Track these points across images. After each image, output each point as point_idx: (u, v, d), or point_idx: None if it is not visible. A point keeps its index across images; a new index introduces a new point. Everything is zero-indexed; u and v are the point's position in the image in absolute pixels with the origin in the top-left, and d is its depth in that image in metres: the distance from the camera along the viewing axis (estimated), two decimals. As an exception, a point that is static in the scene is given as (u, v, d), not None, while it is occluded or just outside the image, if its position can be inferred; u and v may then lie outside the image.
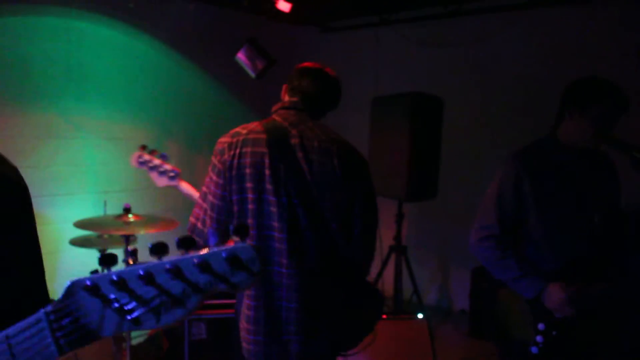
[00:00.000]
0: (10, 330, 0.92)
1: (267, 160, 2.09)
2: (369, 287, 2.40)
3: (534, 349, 2.44)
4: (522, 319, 2.50)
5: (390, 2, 5.65)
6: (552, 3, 4.96)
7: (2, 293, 1.15)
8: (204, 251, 0.87)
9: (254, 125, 2.18)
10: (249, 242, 0.88)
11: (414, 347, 3.64)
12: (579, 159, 2.52)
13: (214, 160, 2.16)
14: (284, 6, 4.68)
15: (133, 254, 0.81)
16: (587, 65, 4.46)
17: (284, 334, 2.11)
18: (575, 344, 2.48)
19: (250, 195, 2.09)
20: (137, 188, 4.70)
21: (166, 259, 0.88)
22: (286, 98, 2.32)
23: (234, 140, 2.13)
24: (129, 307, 0.88)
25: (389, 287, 4.99)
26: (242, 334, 2.13)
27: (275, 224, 2.09)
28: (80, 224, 3.46)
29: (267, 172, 2.09)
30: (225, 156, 2.11)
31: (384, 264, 4.84)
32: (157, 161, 2.64)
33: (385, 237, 4.98)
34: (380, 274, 4.84)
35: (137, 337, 4.46)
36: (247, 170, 2.09)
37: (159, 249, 0.88)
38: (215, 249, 0.86)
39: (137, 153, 2.65)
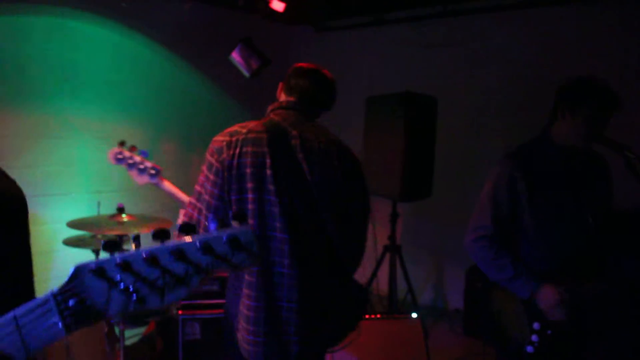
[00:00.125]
0: (18, 311, 0.96)
1: (268, 161, 2.08)
2: (357, 285, 2.41)
3: (529, 348, 2.45)
4: (516, 319, 2.50)
5: (385, 2, 5.66)
6: (545, 3, 4.97)
7: None
8: (206, 235, 0.92)
9: (254, 124, 2.16)
10: (248, 225, 0.93)
11: (408, 346, 3.65)
12: (573, 159, 2.52)
13: (211, 159, 2.11)
14: (277, 6, 4.68)
15: (136, 239, 0.86)
16: (582, 65, 4.49)
17: (284, 334, 2.11)
18: (570, 343, 2.49)
19: (250, 196, 2.07)
20: (130, 188, 4.67)
21: (169, 243, 0.93)
22: (282, 97, 2.32)
23: (233, 139, 2.10)
24: (134, 287, 0.92)
25: (384, 286, 4.99)
26: (242, 334, 2.12)
27: (277, 225, 2.08)
28: (73, 224, 3.44)
29: (268, 172, 2.08)
30: (224, 155, 2.08)
31: (379, 263, 4.84)
32: (137, 158, 2.52)
33: (379, 237, 4.98)
34: (374, 274, 4.84)
35: (131, 337, 4.45)
36: (248, 170, 2.07)
37: (161, 235, 0.93)
38: (216, 233, 0.92)
39: (115, 149, 2.54)
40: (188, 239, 0.93)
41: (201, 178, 2.14)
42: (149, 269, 0.92)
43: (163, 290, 0.93)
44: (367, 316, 3.73)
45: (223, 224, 0.94)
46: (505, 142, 2.71)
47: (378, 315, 3.79)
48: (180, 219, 2.35)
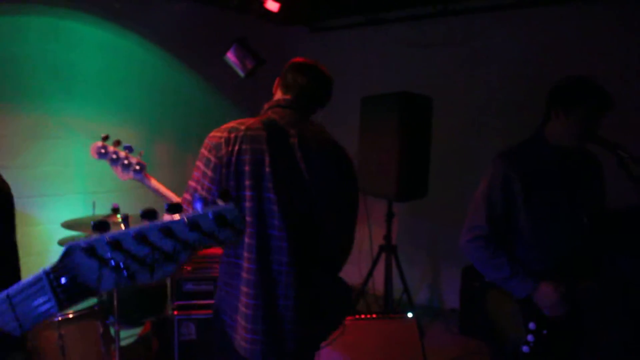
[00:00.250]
0: (11, 290, 0.99)
1: (267, 159, 2.08)
2: (344, 283, 2.42)
3: (525, 348, 2.46)
4: (512, 319, 2.51)
5: (379, 2, 5.66)
6: (545, 2, 4.99)
7: None
8: (194, 213, 0.96)
9: (252, 121, 2.15)
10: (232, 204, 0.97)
11: (403, 346, 3.65)
12: (567, 159, 2.53)
13: (209, 155, 2.09)
14: (272, 6, 4.68)
15: (126, 219, 0.90)
16: (582, 64, 4.51)
17: (282, 332, 2.12)
18: (566, 342, 2.50)
19: (248, 193, 2.07)
20: (125, 188, 4.66)
21: (157, 222, 0.97)
22: (279, 93, 2.31)
23: (232, 135, 2.09)
24: (124, 264, 0.96)
25: (380, 286, 5.00)
26: (240, 332, 2.12)
27: (276, 222, 2.08)
28: (68, 225, 3.44)
29: (267, 170, 2.07)
30: (223, 152, 2.07)
31: (374, 263, 4.84)
32: (122, 153, 2.43)
33: (375, 237, 5.00)
34: (370, 274, 4.85)
35: (127, 338, 4.45)
36: (247, 168, 2.06)
37: (149, 214, 0.97)
38: (203, 210, 0.96)
39: (98, 143, 2.42)
40: (176, 217, 0.96)
41: (196, 174, 2.11)
42: (138, 246, 0.95)
43: (152, 267, 0.96)
44: (363, 316, 3.73)
45: (208, 202, 0.97)
46: (504, 142, 2.70)
47: (374, 315, 3.79)
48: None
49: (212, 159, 2.08)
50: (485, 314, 2.67)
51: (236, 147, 2.07)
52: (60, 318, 3.23)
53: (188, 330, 3.82)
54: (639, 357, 2.95)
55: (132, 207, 4.09)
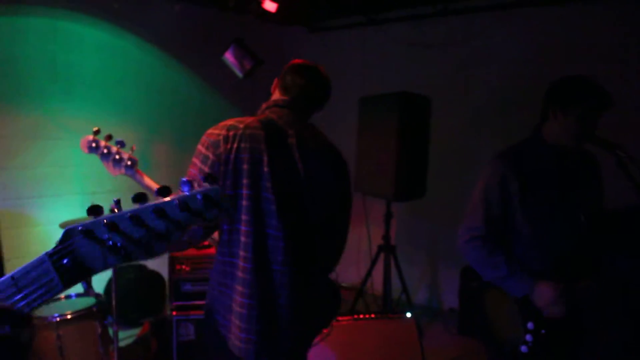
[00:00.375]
0: (16, 273, 1.05)
1: (265, 158, 2.07)
2: (333, 284, 2.42)
3: (523, 348, 2.45)
4: (510, 319, 2.50)
5: (378, 2, 5.66)
6: (545, 2, 4.99)
7: None
8: (183, 194, 1.04)
9: (250, 120, 2.14)
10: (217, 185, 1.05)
11: (402, 346, 3.65)
12: (564, 158, 2.52)
13: (206, 152, 2.07)
14: (270, 6, 4.67)
15: (118, 203, 0.99)
16: (582, 64, 4.50)
17: (276, 331, 2.12)
18: (564, 342, 2.49)
19: (245, 192, 2.06)
20: (125, 189, 4.66)
21: (150, 203, 1.04)
22: (277, 94, 2.31)
23: (231, 133, 2.08)
24: (121, 244, 1.03)
25: (378, 286, 5.00)
26: (234, 331, 2.12)
27: (274, 222, 2.08)
28: (67, 225, 3.43)
29: (265, 169, 2.07)
30: (221, 149, 2.05)
31: (373, 263, 4.85)
32: (113, 148, 2.37)
33: (374, 237, 5.00)
34: (369, 274, 4.85)
35: (125, 338, 4.45)
36: (245, 166, 2.05)
37: (140, 198, 1.04)
38: (189, 193, 1.04)
39: (88, 137, 2.37)
40: (167, 198, 1.04)
41: (192, 171, 2.09)
42: (134, 227, 1.03)
43: (147, 245, 1.04)
44: (361, 316, 3.73)
45: (194, 185, 1.05)
46: (504, 142, 2.70)
47: (372, 315, 3.79)
48: None
49: (210, 156, 2.06)
50: (484, 314, 2.67)
51: (235, 145, 2.06)
52: (58, 318, 3.23)
53: (187, 331, 3.82)
54: (638, 357, 2.95)
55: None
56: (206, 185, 1.05)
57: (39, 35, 4.36)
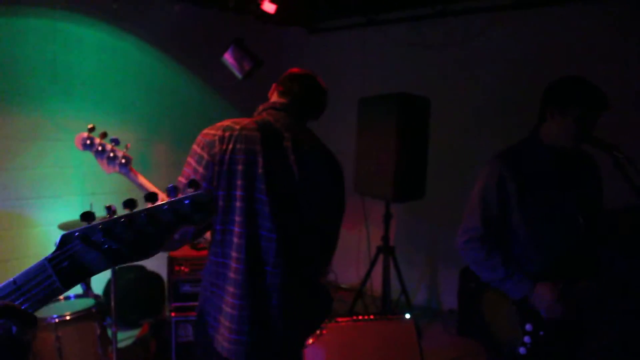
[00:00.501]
0: (17, 277, 1.09)
1: (260, 160, 2.07)
2: (323, 286, 2.42)
3: (521, 350, 2.45)
4: (508, 321, 2.50)
5: (377, 3, 5.67)
6: (545, 2, 4.99)
7: None
8: (172, 200, 1.09)
9: (246, 121, 2.14)
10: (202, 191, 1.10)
11: (401, 347, 3.64)
12: (562, 159, 2.52)
13: (201, 152, 2.07)
14: (269, 7, 4.68)
15: (109, 208, 1.05)
16: (582, 64, 4.51)
17: (267, 332, 2.11)
18: (562, 343, 2.49)
19: (239, 193, 2.06)
20: (124, 190, 4.64)
21: (141, 209, 1.10)
22: (274, 98, 2.31)
23: (226, 134, 2.08)
24: (116, 247, 1.09)
25: (377, 287, 5.00)
26: (222, 332, 2.11)
27: (267, 224, 2.08)
28: (65, 226, 3.43)
29: (260, 171, 2.07)
30: (216, 149, 2.05)
31: (372, 264, 4.85)
32: (108, 146, 2.35)
33: (373, 238, 5.00)
34: (368, 275, 4.85)
35: (125, 339, 4.44)
36: (239, 167, 2.05)
37: (130, 204, 1.10)
38: (176, 199, 1.09)
39: (83, 134, 2.35)
40: (158, 203, 1.10)
41: (187, 170, 2.09)
42: (127, 231, 1.08)
43: (141, 248, 1.09)
44: (360, 317, 3.73)
45: (179, 190, 1.10)
46: (503, 143, 2.69)
47: (372, 316, 3.78)
48: None
49: (205, 156, 2.06)
50: (482, 315, 2.66)
51: (230, 146, 2.06)
52: (57, 320, 3.22)
53: (185, 332, 3.82)
54: (638, 357, 2.95)
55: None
56: (190, 191, 1.10)
57: (39, 35, 4.36)
